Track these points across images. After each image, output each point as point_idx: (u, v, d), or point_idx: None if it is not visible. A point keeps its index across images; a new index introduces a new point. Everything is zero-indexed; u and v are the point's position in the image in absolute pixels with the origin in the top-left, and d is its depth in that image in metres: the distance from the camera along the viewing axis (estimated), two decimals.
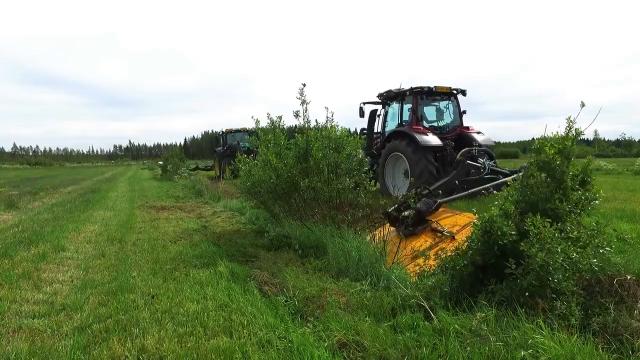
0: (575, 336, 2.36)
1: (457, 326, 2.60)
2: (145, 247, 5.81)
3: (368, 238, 4.65)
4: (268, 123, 6.74)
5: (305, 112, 6.07)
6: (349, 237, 4.53)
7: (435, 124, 10.60)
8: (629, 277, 2.85)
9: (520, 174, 5.74)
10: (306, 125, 6.09)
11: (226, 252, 5.33)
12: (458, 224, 4.70)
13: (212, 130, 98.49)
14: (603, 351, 2.26)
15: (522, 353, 2.26)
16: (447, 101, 10.61)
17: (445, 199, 5.26)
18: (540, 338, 2.33)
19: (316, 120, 6.22)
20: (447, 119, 10.65)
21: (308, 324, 3.03)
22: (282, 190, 6.22)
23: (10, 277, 4.43)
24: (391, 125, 11.21)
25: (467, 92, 10.46)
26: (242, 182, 7.13)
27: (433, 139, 9.24)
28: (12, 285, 4.20)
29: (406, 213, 4.57)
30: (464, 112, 10.52)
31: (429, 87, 10.03)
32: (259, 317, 3.16)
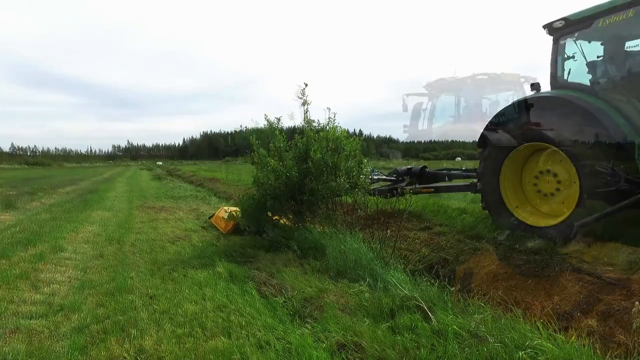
0: (573, 337, 2.36)
1: (455, 327, 2.61)
2: (144, 247, 5.80)
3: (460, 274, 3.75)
4: (265, 124, 6.70)
5: (306, 112, 6.05)
6: (347, 238, 4.53)
7: None
8: None
9: None
10: (306, 127, 6.07)
11: (225, 253, 5.32)
12: (612, 262, 3.19)
13: (211, 131, 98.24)
14: (600, 352, 2.27)
15: (520, 354, 2.26)
16: (512, 92, 8.89)
17: (582, 221, 3.66)
18: (538, 339, 2.34)
19: (317, 121, 6.18)
20: None
21: (307, 325, 3.03)
22: (280, 192, 6.20)
23: (8, 277, 4.42)
24: (440, 121, 9.53)
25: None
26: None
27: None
28: (9, 285, 4.19)
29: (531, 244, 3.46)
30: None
31: (495, 75, 8.58)
32: (257, 318, 3.16)
